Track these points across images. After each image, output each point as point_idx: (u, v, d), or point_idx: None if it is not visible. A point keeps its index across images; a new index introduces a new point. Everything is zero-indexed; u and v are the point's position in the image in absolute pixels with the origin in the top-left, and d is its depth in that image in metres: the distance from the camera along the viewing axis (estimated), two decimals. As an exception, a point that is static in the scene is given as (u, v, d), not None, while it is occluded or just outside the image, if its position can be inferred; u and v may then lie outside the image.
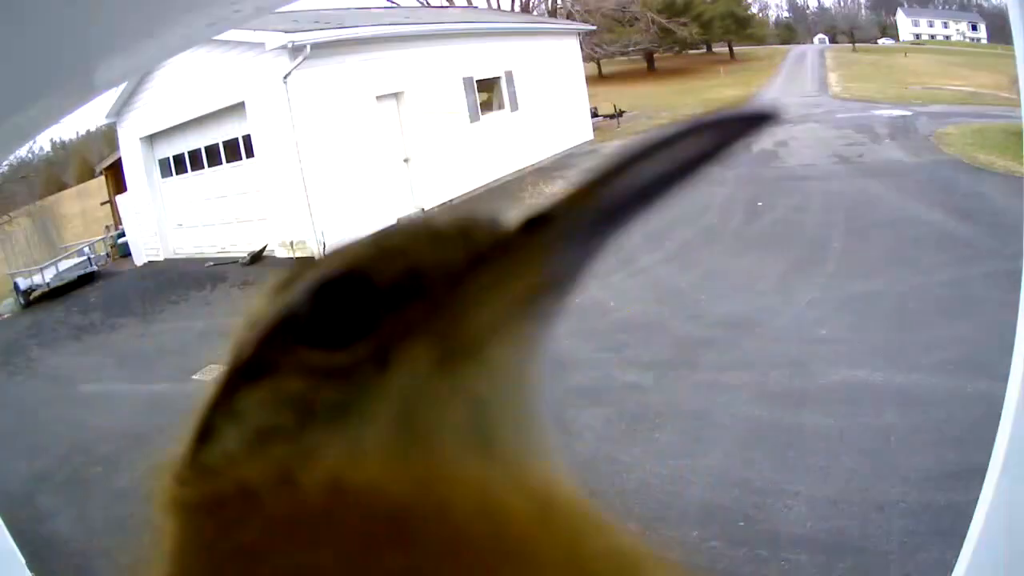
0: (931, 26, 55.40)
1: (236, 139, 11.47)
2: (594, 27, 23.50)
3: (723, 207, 9.52)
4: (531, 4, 31.11)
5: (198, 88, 11.20)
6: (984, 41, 49.57)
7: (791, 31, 58.87)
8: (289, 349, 0.28)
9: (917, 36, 53.60)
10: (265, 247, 11.12)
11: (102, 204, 17.54)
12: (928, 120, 14.17)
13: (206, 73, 10.85)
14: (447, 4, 28.44)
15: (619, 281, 7.45)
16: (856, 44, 43.41)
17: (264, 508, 0.26)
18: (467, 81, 12.95)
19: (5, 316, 12.25)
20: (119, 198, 14.79)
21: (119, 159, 14.18)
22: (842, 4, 60.12)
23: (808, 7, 62.43)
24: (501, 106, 14.04)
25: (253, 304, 0.30)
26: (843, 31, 50.11)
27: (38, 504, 4.95)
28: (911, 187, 9.09)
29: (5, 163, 18.63)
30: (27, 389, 7.84)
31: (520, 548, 0.25)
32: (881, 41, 49.24)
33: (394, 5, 23.11)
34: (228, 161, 11.87)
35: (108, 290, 11.92)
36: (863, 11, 59.29)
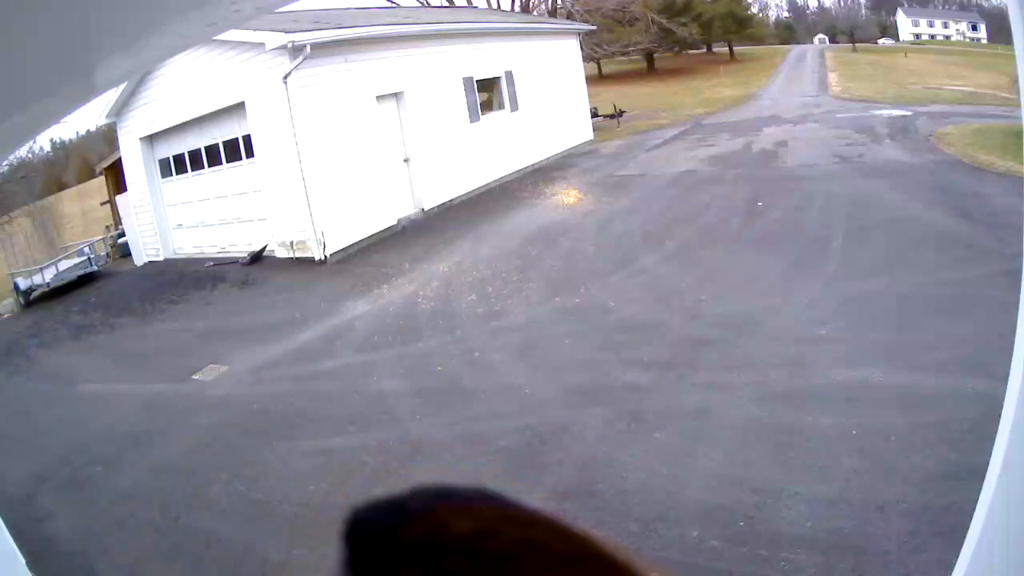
0: (931, 26, 55.42)
1: (236, 139, 11.46)
2: (594, 27, 23.49)
3: (723, 207, 9.53)
4: (531, 4, 31.08)
5: (198, 88, 11.19)
6: (984, 41, 49.58)
7: (791, 31, 58.87)
8: None
9: (917, 36, 53.60)
10: (265, 247, 11.11)
11: (102, 204, 17.53)
12: (928, 120, 14.17)
13: (206, 73, 10.85)
14: (447, 4, 28.42)
15: (619, 281, 7.45)
16: (856, 44, 43.41)
17: None
18: (467, 81, 12.95)
19: (5, 316, 12.24)
20: (119, 198, 14.78)
21: (119, 159, 14.17)
22: (842, 4, 60.14)
23: (808, 7, 62.44)
24: (501, 106, 14.05)
25: None
26: (843, 31, 50.11)
27: (38, 504, 4.95)
28: (911, 187, 9.08)
29: (5, 163, 18.63)
30: (27, 389, 7.84)
31: None
32: (881, 41, 49.25)
33: (394, 5, 23.10)
34: (228, 161, 11.85)
35: (108, 290, 11.91)
36: (863, 11, 59.29)
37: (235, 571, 3.83)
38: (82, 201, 21.86)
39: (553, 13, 28.98)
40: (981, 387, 4.05)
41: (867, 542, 3.17)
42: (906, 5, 55.64)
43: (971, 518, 1.07)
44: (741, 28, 40.44)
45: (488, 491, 0.37)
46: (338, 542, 0.36)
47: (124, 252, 14.34)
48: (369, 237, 10.65)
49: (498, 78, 13.95)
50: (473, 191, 12.69)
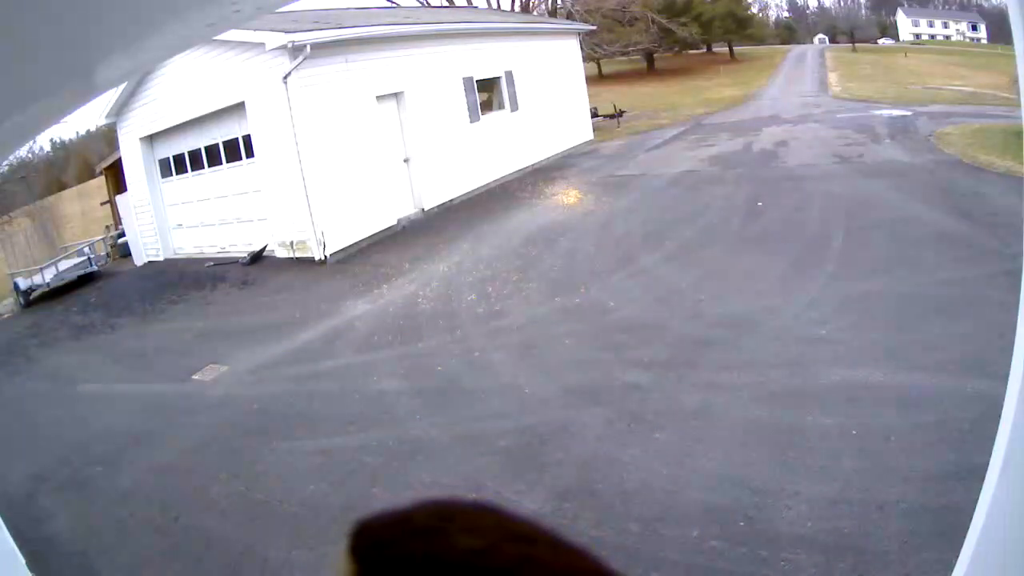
0: (931, 26, 55.43)
1: (236, 139, 11.45)
2: (594, 27, 23.48)
3: (723, 207, 9.53)
4: (531, 4, 31.07)
5: (198, 88, 11.19)
6: (984, 41, 49.59)
7: (791, 31, 58.88)
8: None
9: (917, 36, 53.61)
10: (265, 247, 11.11)
11: (102, 204, 17.52)
12: (928, 120, 14.16)
13: (206, 73, 10.84)
14: (447, 4, 28.42)
15: (619, 281, 7.45)
16: (856, 44, 43.40)
17: None
18: (467, 81, 12.95)
19: (5, 316, 12.24)
20: (119, 198, 14.78)
21: (119, 159, 14.16)
22: (842, 4, 60.16)
23: (808, 7, 62.45)
24: (501, 106, 14.04)
25: None
26: (843, 31, 50.12)
27: (38, 504, 4.95)
28: (911, 187, 9.08)
29: (5, 163, 18.63)
30: (27, 389, 7.84)
31: None
32: (881, 41, 49.26)
33: (394, 5, 23.10)
34: (228, 161, 11.85)
35: (108, 290, 11.91)
36: (863, 11, 59.30)
37: (235, 571, 3.82)
38: (82, 201, 21.82)
39: (553, 13, 28.97)
40: (981, 387, 4.05)
41: (867, 542, 3.17)
42: (906, 5, 55.64)
43: (971, 518, 1.07)
44: (741, 28, 40.43)
45: (491, 505, 0.38)
46: (344, 555, 0.36)
47: (124, 252, 14.33)
48: (369, 237, 10.65)
49: (498, 78, 13.94)
50: (473, 191, 12.68)
